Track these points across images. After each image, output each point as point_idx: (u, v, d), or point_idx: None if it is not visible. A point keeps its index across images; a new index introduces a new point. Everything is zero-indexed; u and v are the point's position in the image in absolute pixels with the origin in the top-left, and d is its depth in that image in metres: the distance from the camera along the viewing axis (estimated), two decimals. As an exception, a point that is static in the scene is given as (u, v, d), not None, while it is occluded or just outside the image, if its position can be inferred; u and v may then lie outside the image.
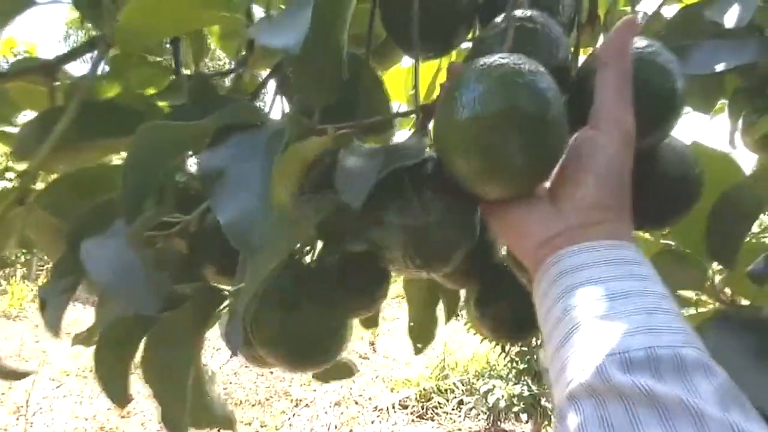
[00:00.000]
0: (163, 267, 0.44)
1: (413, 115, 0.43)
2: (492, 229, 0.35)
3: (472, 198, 0.34)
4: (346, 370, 0.54)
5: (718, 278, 0.53)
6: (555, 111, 0.28)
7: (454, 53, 0.54)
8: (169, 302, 0.31)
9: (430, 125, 0.40)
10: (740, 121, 0.66)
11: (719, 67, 0.55)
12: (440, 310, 0.62)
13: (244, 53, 0.49)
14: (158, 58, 0.49)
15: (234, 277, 0.44)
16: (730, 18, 0.54)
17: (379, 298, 0.47)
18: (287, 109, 0.49)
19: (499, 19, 0.35)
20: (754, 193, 0.42)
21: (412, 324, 0.62)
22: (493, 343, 2.41)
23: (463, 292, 0.59)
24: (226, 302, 0.45)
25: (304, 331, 0.37)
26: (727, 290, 0.50)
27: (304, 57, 0.37)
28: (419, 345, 0.62)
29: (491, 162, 0.29)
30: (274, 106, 0.48)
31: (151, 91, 0.50)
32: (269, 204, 0.27)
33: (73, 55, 0.45)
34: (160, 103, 0.48)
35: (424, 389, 2.83)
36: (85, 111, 0.42)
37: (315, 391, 2.91)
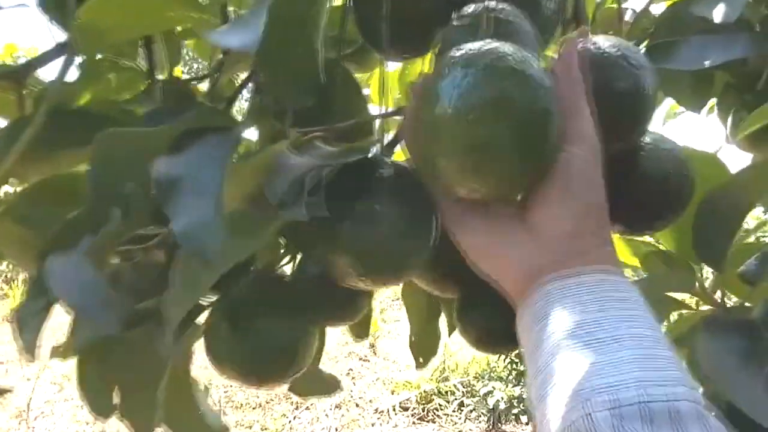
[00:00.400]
0: (141, 281, 0.43)
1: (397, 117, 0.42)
2: (463, 253, 0.32)
3: (428, 204, 0.32)
4: (330, 386, 0.53)
5: (710, 279, 0.52)
6: (550, 101, 0.26)
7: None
8: (131, 321, 0.30)
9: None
10: (730, 118, 0.65)
11: (708, 63, 0.54)
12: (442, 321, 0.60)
13: (220, 56, 0.48)
14: (132, 63, 0.48)
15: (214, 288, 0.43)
16: (719, 13, 0.53)
17: (361, 308, 0.46)
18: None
19: (469, 9, 0.34)
20: (741, 193, 0.40)
21: (413, 338, 0.61)
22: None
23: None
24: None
25: (253, 346, 0.36)
26: (719, 292, 0.49)
27: (275, 58, 0.36)
28: (421, 359, 0.61)
29: (484, 160, 0.26)
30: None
31: (125, 96, 0.49)
32: (221, 213, 0.26)
33: (41, 60, 0.44)
34: (137, 110, 0.47)
35: (424, 391, 2.82)
36: (55, 119, 0.41)
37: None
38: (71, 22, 0.39)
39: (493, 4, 0.33)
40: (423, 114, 0.27)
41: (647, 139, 0.36)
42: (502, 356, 2.51)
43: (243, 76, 0.50)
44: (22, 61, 0.47)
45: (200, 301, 0.44)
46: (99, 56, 0.46)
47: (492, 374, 2.74)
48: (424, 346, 0.61)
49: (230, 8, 0.50)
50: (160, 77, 0.50)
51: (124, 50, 0.47)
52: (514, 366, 2.55)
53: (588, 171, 0.29)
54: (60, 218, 0.37)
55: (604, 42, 0.33)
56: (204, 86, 0.53)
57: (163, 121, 0.34)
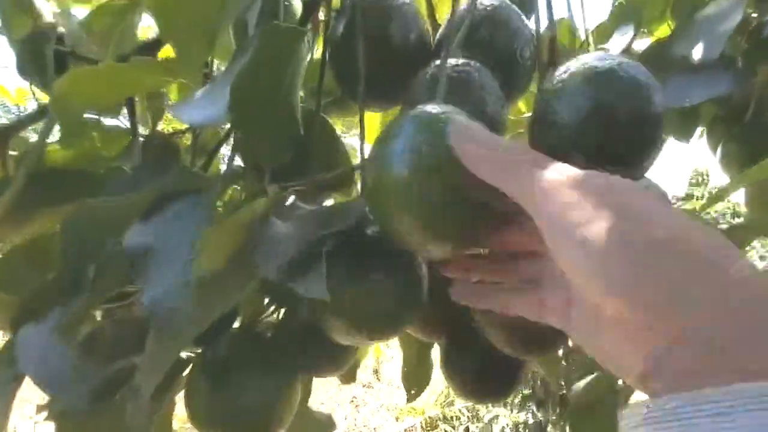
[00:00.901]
0: (121, 339, 0.43)
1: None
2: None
3: (414, 257, 0.32)
4: (323, 426, 0.52)
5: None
6: None
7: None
8: (105, 391, 0.30)
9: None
10: (719, 149, 0.65)
11: (689, 101, 0.54)
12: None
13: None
14: (115, 120, 0.48)
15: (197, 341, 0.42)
16: (700, 52, 0.54)
17: (348, 359, 0.45)
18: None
19: (430, 68, 0.34)
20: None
21: (405, 369, 0.60)
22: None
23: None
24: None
25: (232, 404, 0.35)
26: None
27: (251, 118, 0.36)
28: (413, 391, 0.60)
29: (430, 218, 0.26)
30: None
31: (111, 153, 0.49)
32: (186, 280, 0.26)
33: (24, 123, 0.44)
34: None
35: (429, 417, 2.77)
36: (36, 179, 0.42)
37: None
38: (51, 84, 0.40)
39: (454, 61, 0.33)
40: (375, 174, 0.28)
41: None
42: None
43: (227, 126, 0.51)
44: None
45: (181, 355, 0.44)
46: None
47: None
48: (416, 377, 0.61)
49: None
50: (144, 132, 0.50)
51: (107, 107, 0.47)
52: (519, 391, 2.52)
53: None
54: (34, 283, 0.37)
55: (590, 57, 0.29)
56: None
57: (139, 183, 0.34)
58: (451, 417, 2.78)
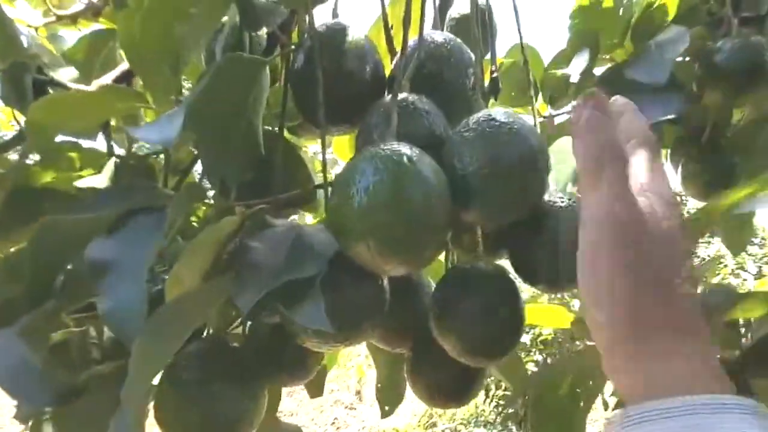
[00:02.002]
0: (90, 349, 0.44)
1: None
2: None
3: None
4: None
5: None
6: (436, 193, 0.31)
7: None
8: (72, 393, 0.31)
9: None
10: (680, 169, 0.68)
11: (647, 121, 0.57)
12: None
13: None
14: (91, 143, 0.51)
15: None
16: (650, 76, 0.57)
17: (312, 368, 0.47)
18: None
19: (384, 100, 0.37)
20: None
21: (379, 386, 0.61)
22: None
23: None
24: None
25: (199, 414, 0.36)
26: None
27: (214, 138, 0.39)
28: (387, 408, 0.61)
29: (385, 244, 0.30)
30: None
31: (89, 174, 0.51)
32: (138, 292, 0.28)
33: (8, 145, 0.47)
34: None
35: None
36: (14, 198, 0.44)
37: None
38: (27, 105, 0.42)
39: (404, 95, 0.37)
40: (337, 198, 0.32)
41: (546, 197, 0.38)
42: (489, 400, 2.46)
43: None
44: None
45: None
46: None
47: (479, 419, 2.67)
48: (390, 394, 0.62)
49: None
50: (121, 153, 0.52)
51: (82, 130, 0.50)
52: (502, 410, 2.50)
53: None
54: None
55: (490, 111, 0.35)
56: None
57: (109, 200, 0.36)
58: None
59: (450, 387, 0.45)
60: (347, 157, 0.66)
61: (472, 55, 0.43)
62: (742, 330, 0.53)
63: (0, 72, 0.42)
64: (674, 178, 0.70)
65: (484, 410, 2.69)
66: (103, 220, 0.32)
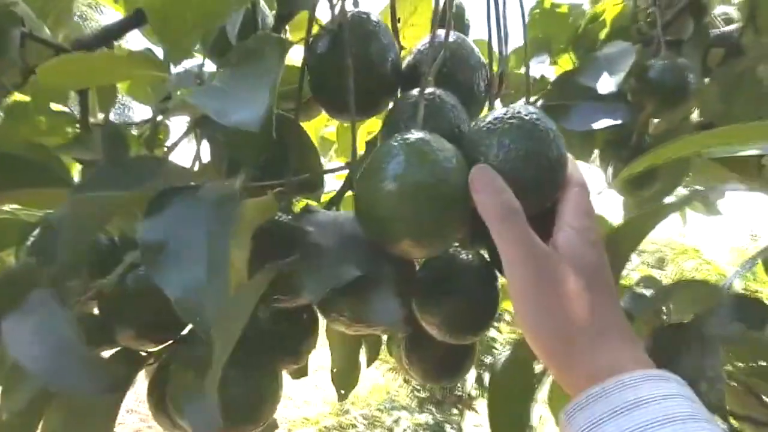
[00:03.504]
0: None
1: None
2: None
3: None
4: (270, 428, 0.53)
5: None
6: (457, 181, 0.33)
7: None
8: (117, 383, 0.29)
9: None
10: (609, 168, 0.77)
11: (596, 126, 0.63)
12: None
13: (162, 101, 0.48)
14: (62, 107, 0.46)
15: (154, 340, 0.42)
16: (602, 84, 0.63)
17: (306, 351, 0.47)
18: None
19: (413, 92, 0.39)
20: (621, 244, 0.48)
21: (335, 370, 0.62)
22: (395, 374, 2.45)
23: (384, 336, 0.61)
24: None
25: (227, 399, 0.36)
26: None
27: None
28: (342, 391, 0.62)
29: (415, 228, 0.32)
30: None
31: (54, 140, 0.46)
32: (217, 275, 0.27)
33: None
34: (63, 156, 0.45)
35: (324, 427, 2.77)
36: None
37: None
38: (4, 66, 0.38)
39: (431, 89, 0.39)
40: (368, 185, 0.33)
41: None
42: (404, 385, 2.56)
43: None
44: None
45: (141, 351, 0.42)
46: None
47: (395, 404, 2.77)
48: (345, 378, 0.63)
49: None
50: (92, 121, 0.48)
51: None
52: (416, 394, 2.62)
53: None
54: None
55: (522, 108, 0.36)
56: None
57: (112, 175, 0.33)
58: (347, 425, 2.80)
59: (442, 365, 0.48)
60: (343, 141, 0.65)
61: (482, 57, 0.45)
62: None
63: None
64: (603, 177, 0.79)
65: (398, 395, 2.78)
66: (139, 197, 0.30)
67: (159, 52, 0.49)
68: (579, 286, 0.30)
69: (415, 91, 0.39)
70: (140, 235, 0.28)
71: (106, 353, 0.43)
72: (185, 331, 0.42)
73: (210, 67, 0.43)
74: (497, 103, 0.51)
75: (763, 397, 0.46)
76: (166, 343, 0.42)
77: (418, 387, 2.56)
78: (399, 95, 0.44)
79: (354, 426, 2.77)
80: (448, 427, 2.48)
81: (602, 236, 0.34)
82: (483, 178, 0.32)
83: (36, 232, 0.40)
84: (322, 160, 0.64)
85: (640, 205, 0.81)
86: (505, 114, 0.35)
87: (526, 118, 0.34)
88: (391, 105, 0.43)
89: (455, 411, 2.42)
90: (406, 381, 2.52)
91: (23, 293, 0.30)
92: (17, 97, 0.42)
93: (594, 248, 0.32)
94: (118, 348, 0.42)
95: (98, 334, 0.43)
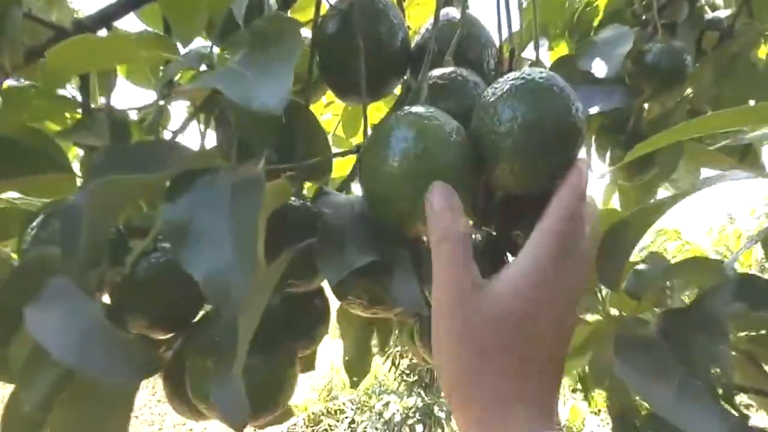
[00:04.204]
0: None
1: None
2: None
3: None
4: (285, 415, 0.53)
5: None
6: (455, 156, 0.32)
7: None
8: (149, 367, 0.28)
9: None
10: (608, 154, 0.77)
11: (594, 110, 0.64)
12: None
13: (166, 85, 0.47)
14: (61, 91, 0.44)
15: (167, 329, 0.41)
16: (600, 68, 0.64)
17: (318, 337, 0.47)
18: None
19: (437, 72, 0.38)
20: (629, 230, 0.49)
21: (347, 358, 0.62)
22: (384, 358, 2.46)
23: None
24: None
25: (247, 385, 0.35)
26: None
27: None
28: (355, 378, 0.62)
29: (411, 204, 0.31)
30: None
31: (51, 126, 0.45)
32: (244, 256, 0.27)
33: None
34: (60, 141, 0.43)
35: (312, 413, 2.77)
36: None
37: (198, 423, 2.71)
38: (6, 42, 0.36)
39: (452, 68, 0.39)
40: (373, 159, 0.32)
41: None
42: (393, 369, 2.58)
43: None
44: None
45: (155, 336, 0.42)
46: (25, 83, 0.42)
47: (383, 388, 2.79)
48: (358, 365, 0.63)
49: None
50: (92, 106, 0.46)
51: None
52: (404, 378, 2.64)
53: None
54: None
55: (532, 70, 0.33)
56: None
57: (123, 160, 0.32)
58: (335, 411, 2.81)
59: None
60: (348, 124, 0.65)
61: (491, 36, 0.45)
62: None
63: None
64: (600, 163, 0.79)
65: (386, 380, 2.79)
66: (161, 180, 0.29)
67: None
68: (504, 350, 0.29)
69: (436, 72, 0.39)
70: (165, 216, 0.27)
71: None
72: (197, 318, 0.42)
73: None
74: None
75: (764, 366, 0.47)
76: (178, 331, 0.42)
77: (407, 371, 2.59)
78: (408, 76, 0.44)
79: (342, 411, 2.78)
80: (437, 409, 2.51)
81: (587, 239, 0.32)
82: (438, 194, 0.30)
83: (38, 221, 0.39)
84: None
85: (637, 190, 0.82)
86: (510, 77, 0.32)
87: (532, 77, 0.32)
88: (399, 86, 0.43)
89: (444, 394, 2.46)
90: (394, 365, 2.54)
91: (39, 283, 0.30)
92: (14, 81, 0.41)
93: (539, 289, 0.29)
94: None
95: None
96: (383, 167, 0.31)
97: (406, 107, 0.33)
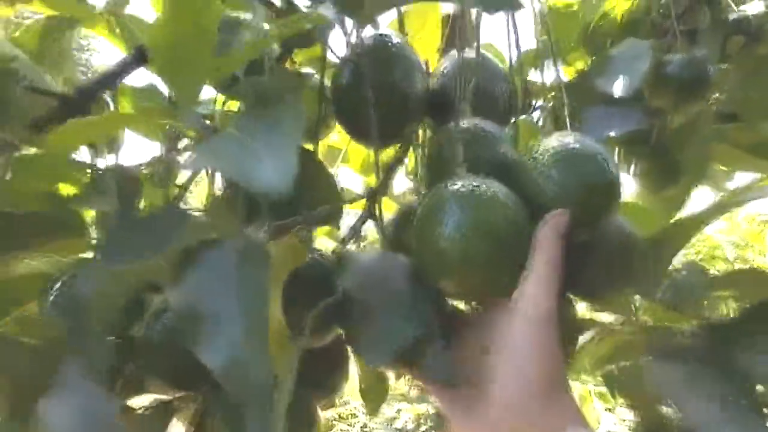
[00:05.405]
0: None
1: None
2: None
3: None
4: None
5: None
6: (525, 230, 0.32)
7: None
8: None
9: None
10: (632, 167, 0.75)
11: (611, 134, 0.61)
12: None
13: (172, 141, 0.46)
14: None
15: (185, 389, 0.41)
16: (619, 88, 0.61)
17: (340, 387, 0.46)
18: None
19: (458, 126, 0.38)
20: (670, 241, 0.47)
21: (363, 385, 0.62)
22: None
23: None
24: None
25: None
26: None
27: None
28: (372, 405, 0.61)
29: (478, 275, 0.31)
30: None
31: (61, 189, 0.45)
32: (259, 340, 0.26)
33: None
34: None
35: (324, 418, 2.76)
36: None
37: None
38: (11, 122, 0.36)
39: (474, 121, 0.38)
40: (425, 233, 0.33)
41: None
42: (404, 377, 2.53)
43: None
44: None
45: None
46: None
47: (393, 392, 2.75)
48: (374, 391, 0.63)
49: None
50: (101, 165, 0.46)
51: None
52: (415, 383, 2.59)
53: (539, 343, 0.30)
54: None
55: (566, 136, 0.36)
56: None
57: (139, 228, 0.32)
58: (347, 416, 2.78)
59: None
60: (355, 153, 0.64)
61: (503, 70, 0.44)
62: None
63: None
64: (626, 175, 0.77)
65: (397, 384, 2.75)
66: (165, 263, 0.29)
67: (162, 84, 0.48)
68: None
69: (459, 125, 0.38)
70: (172, 305, 0.27)
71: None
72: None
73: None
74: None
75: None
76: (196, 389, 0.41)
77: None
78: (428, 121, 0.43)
79: (354, 416, 2.75)
80: None
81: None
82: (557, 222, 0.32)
83: (56, 287, 0.39)
84: (331, 171, 0.63)
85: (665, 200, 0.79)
86: (551, 144, 0.35)
87: (573, 146, 0.35)
88: (420, 132, 0.42)
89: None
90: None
91: (54, 364, 0.29)
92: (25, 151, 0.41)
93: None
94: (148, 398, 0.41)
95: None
96: (439, 243, 0.31)
97: (460, 180, 0.33)
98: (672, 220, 0.54)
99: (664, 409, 0.48)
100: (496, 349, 0.31)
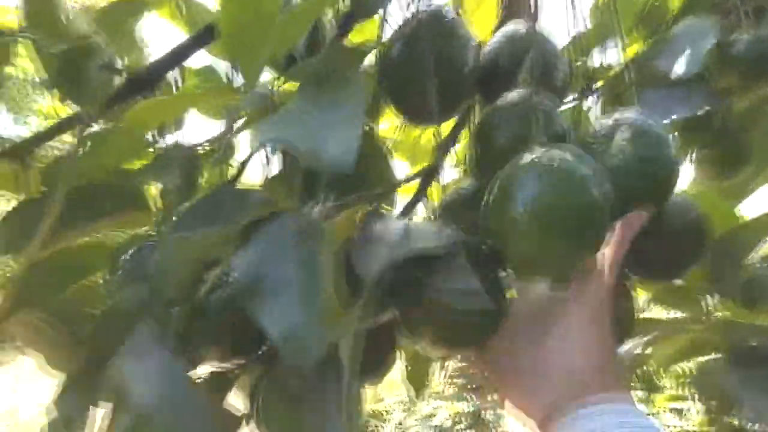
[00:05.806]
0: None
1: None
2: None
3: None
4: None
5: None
6: (604, 203, 0.31)
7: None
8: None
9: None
10: (693, 154, 0.72)
11: (675, 116, 0.59)
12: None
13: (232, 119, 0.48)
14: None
15: (241, 358, 0.42)
16: (681, 67, 0.58)
17: (387, 370, 0.47)
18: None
19: (513, 98, 0.37)
20: (751, 235, 0.46)
21: (408, 368, 0.62)
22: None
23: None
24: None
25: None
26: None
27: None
28: (417, 389, 0.62)
29: (548, 252, 0.31)
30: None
31: (127, 164, 0.47)
32: (315, 307, 0.27)
33: (44, 137, 0.41)
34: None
35: (357, 415, 2.75)
36: (70, 196, 0.39)
37: None
38: (86, 96, 0.38)
39: (536, 96, 0.37)
40: (501, 208, 0.32)
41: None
42: (440, 373, 2.52)
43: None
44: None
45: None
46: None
47: (431, 391, 2.72)
48: (418, 376, 0.63)
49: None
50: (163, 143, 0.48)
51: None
52: (453, 381, 2.56)
53: (594, 316, 0.32)
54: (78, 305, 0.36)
55: (627, 112, 0.37)
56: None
57: (211, 216, 0.33)
58: (382, 412, 2.77)
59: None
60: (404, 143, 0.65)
61: (556, 45, 0.43)
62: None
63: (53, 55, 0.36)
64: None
65: (434, 381, 2.73)
66: (229, 235, 0.30)
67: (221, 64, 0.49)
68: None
69: (515, 96, 0.38)
70: (236, 273, 0.28)
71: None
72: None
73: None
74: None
75: None
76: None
77: (455, 373, 2.51)
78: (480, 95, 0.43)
79: (389, 412, 2.74)
80: (483, 413, 2.43)
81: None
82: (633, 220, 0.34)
83: (127, 256, 0.41)
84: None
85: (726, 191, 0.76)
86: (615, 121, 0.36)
87: (638, 124, 0.36)
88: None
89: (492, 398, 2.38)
90: (441, 367, 2.47)
91: (129, 327, 0.31)
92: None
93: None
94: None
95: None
96: (515, 215, 0.31)
97: (543, 151, 0.32)
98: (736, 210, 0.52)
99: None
100: (550, 338, 0.32)
